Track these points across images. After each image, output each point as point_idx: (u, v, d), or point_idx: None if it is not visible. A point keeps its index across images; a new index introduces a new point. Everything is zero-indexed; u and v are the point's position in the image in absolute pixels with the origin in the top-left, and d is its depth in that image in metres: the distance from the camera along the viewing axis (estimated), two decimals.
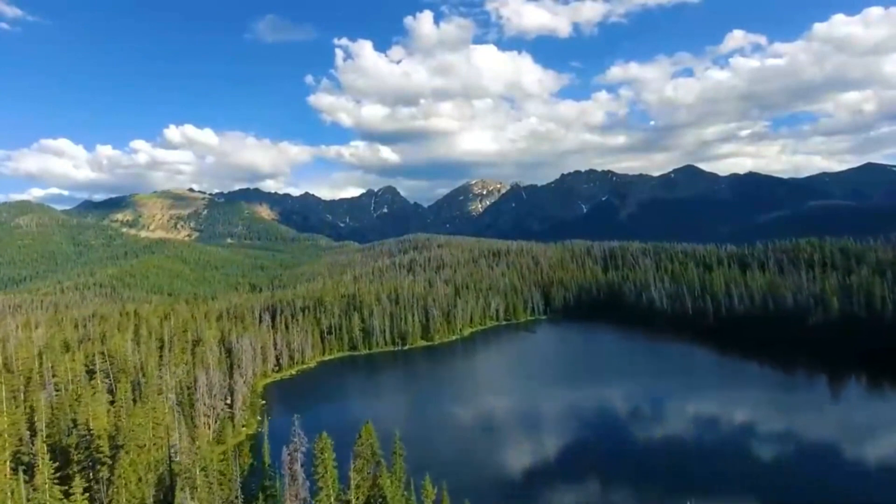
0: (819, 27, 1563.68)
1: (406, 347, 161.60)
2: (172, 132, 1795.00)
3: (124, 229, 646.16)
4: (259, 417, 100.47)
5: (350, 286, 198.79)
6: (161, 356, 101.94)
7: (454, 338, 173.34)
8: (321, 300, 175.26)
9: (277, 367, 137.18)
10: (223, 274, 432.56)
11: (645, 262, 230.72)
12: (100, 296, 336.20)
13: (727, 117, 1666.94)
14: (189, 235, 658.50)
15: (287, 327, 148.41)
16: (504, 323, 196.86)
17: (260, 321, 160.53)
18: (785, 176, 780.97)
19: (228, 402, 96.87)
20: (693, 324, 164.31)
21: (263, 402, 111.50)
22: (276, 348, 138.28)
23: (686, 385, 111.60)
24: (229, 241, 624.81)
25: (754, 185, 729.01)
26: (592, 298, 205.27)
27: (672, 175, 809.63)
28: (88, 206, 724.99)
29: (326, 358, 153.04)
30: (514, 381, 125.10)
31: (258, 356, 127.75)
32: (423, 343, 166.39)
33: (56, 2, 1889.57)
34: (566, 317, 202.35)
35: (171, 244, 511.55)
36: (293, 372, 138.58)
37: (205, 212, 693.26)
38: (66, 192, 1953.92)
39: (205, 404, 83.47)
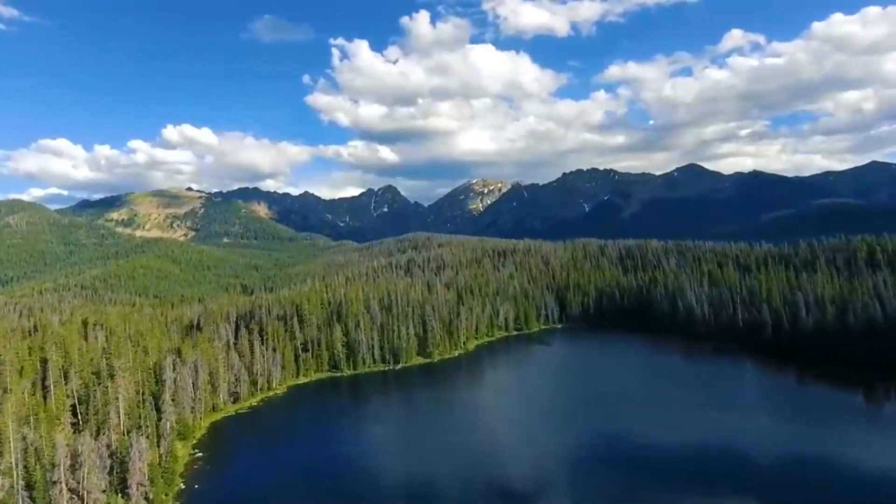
0: (818, 26, 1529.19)
1: (399, 367, 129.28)
2: (170, 132, 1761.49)
3: (119, 229, 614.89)
4: (182, 485, 68.53)
5: (338, 290, 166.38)
6: (48, 396, 70.14)
7: (456, 353, 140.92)
8: (299, 308, 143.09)
9: (235, 397, 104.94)
10: (215, 274, 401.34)
11: (669, 262, 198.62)
12: (80, 298, 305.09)
13: (726, 117, 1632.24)
14: (185, 235, 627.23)
15: (252, 344, 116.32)
16: (514, 333, 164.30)
17: (233, 331, 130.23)
18: (787, 175, 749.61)
19: (142, 468, 64.85)
20: (743, 337, 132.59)
21: (199, 454, 79.36)
22: (233, 371, 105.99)
23: (776, 431, 79.41)
24: (226, 240, 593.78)
25: (758, 184, 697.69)
26: (615, 305, 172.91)
27: (675, 174, 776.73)
28: (84, 206, 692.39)
29: (301, 381, 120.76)
30: (534, 420, 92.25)
31: (205, 386, 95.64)
32: (420, 360, 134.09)
33: (53, 2, 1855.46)
34: (586, 325, 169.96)
35: (163, 244, 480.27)
36: (255, 402, 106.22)
37: (201, 211, 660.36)
38: (65, 192, 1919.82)
39: (68, 486, 51.42)
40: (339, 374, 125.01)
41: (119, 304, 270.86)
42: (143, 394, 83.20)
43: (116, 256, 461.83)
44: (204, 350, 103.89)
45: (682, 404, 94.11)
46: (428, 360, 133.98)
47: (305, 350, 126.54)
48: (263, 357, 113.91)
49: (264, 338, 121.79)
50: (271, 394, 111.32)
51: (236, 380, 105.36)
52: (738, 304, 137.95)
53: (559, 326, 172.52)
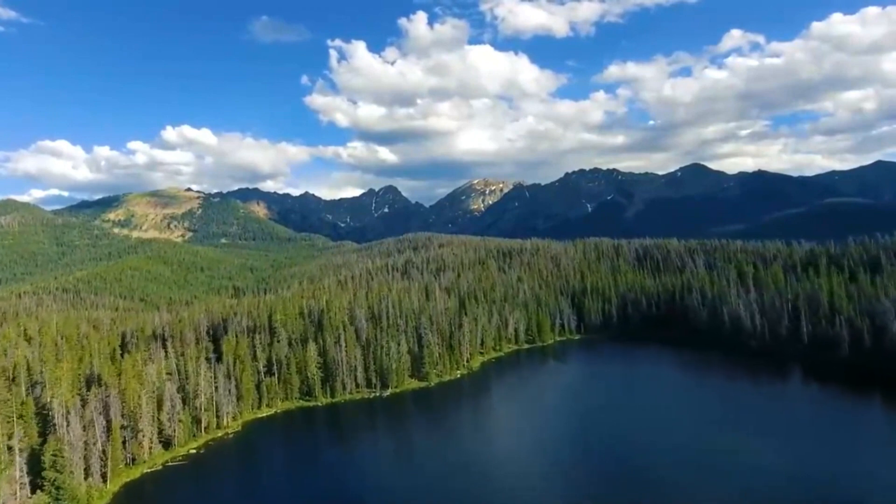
0: (817, 26, 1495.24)
1: (388, 393, 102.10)
2: (169, 133, 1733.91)
3: (116, 229, 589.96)
4: None
5: (321, 297, 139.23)
6: None
7: (458, 374, 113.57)
8: (271, 319, 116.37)
9: (166, 443, 77.76)
10: (208, 276, 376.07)
11: (696, 263, 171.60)
12: (60, 302, 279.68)
13: (726, 116, 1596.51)
14: (183, 235, 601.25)
15: (198, 366, 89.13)
16: (526, 347, 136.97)
17: (198, 343, 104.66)
18: (791, 174, 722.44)
19: None
20: (810, 355, 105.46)
21: None
22: (167, 405, 78.72)
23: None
24: (223, 241, 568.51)
25: (762, 183, 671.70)
26: (641, 312, 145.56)
27: (678, 173, 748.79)
28: (81, 206, 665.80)
29: (263, 414, 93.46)
30: (554, 482, 65.07)
31: (117, 432, 68.54)
32: (414, 384, 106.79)
33: (50, 4, 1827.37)
34: (608, 336, 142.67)
35: (155, 244, 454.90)
36: (194, 447, 78.88)
37: (199, 211, 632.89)
38: (65, 194, 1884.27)
39: None
40: (312, 404, 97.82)
41: (102, 308, 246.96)
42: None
43: (109, 257, 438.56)
44: (127, 378, 76.90)
45: (745, 454, 66.51)
46: (424, 384, 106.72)
47: (270, 374, 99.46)
48: (212, 385, 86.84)
49: (218, 357, 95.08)
50: (221, 433, 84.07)
51: (170, 419, 78.19)
52: (802, 315, 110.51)
53: (577, 337, 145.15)
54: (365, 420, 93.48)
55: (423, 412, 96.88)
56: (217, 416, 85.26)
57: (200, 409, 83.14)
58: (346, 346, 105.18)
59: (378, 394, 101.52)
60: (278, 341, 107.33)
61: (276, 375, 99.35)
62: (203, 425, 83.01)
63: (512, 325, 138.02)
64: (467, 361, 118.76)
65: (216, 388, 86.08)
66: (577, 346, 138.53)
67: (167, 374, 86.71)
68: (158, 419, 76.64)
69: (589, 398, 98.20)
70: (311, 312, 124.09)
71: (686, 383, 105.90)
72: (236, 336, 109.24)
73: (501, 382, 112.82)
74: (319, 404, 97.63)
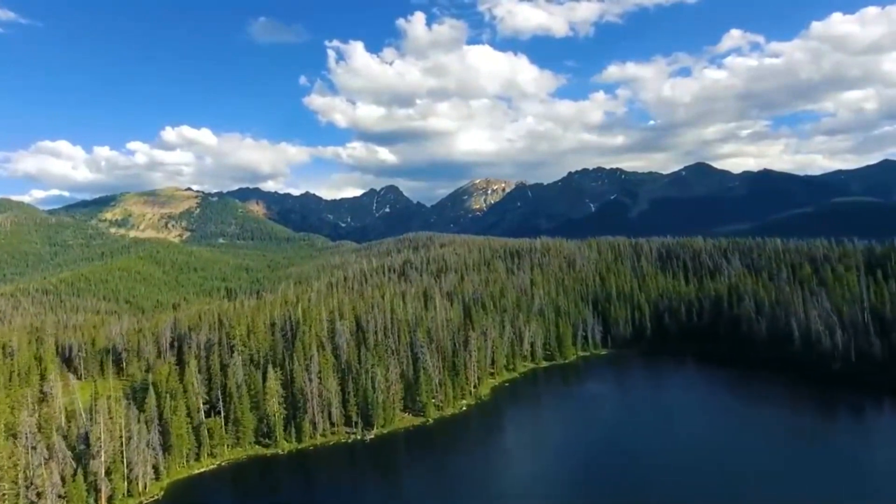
0: (816, 26, 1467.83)
1: (373, 435, 75.97)
2: (169, 133, 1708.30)
3: (113, 229, 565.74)
4: None
5: (299, 304, 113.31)
6: None
7: (464, 405, 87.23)
8: (230, 335, 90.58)
9: None
10: (201, 277, 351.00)
11: (734, 265, 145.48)
12: (38, 304, 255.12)
13: (726, 116, 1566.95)
14: (180, 235, 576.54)
15: (100, 403, 63.38)
16: (544, 365, 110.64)
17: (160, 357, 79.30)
18: (795, 174, 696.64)
19: None
20: None
21: None
22: (50, 467, 52.90)
23: None
24: (221, 240, 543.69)
25: (768, 183, 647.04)
26: (680, 324, 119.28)
27: (683, 173, 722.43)
28: (78, 206, 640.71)
29: (202, 468, 67.45)
30: None
31: None
32: (407, 421, 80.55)
33: (49, 4, 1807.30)
34: (641, 351, 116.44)
35: (149, 244, 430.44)
36: None
37: (197, 211, 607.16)
38: (66, 194, 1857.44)
39: None
40: (271, 452, 71.78)
41: (82, 311, 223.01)
42: None
43: (102, 258, 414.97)
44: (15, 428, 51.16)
45: None
46: (420, 420, 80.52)
47: (217, 411, 73.49)
48: (124, 436, 60.84)
49: (143, 388, 69.24)
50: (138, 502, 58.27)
51: (40, 494, 52.21)
52: None
53: (603, 352, 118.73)
54: (340, 474, 67.58)
55: (418, 462, 71.06)
56: (128, 480, 59.18)
57: (97, 471, 57.07)
58: (319, 372, 79.30)
59: (360, 436, 75.46)
60: (234, 364, 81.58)
61: (225, 414, 73.32)
62: (105, 496, 57.03)
63: (528, 338, 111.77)
64: (475, 388, 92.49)
65: (126, 438, 59.98)
66: (605, 364, 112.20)
67: (67, 418, 61.06)
68: (26, 494, 50.86)
69: (628, 443, 71.47)
70: (286, 324, 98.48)
71: (750, 418, 78.80)
72: (159, 366, 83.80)
73: (518, 417, 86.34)
74: (281, 452, 71.61)
